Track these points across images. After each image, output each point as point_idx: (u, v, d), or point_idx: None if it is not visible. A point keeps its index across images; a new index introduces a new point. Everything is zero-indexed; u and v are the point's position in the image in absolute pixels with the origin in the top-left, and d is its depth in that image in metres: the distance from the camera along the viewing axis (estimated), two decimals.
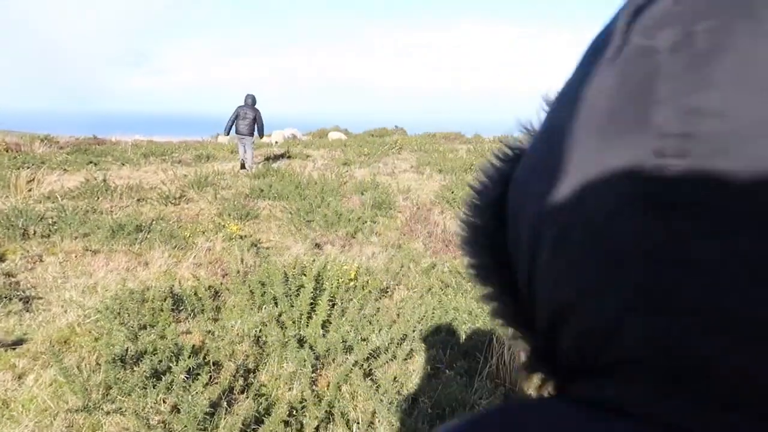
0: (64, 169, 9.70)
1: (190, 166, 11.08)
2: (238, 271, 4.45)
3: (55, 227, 5.56)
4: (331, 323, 3.64)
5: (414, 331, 3.53)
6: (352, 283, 4.07)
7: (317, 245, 5.66)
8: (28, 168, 8.90)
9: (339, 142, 17.19)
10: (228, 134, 10.89)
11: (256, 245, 5.42)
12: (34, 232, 5.41)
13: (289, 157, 12.92)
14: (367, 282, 4.21)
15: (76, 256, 4.95)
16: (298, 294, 3.83)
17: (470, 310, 3.73)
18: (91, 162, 10.77)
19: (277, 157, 12.80)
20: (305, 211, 6.61)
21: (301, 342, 3.33)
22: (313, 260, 4.33)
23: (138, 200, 7.35)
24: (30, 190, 7.46)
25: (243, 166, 10.47)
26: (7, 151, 11.14)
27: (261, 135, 10.89)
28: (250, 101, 10.55)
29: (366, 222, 6.45)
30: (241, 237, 5.65)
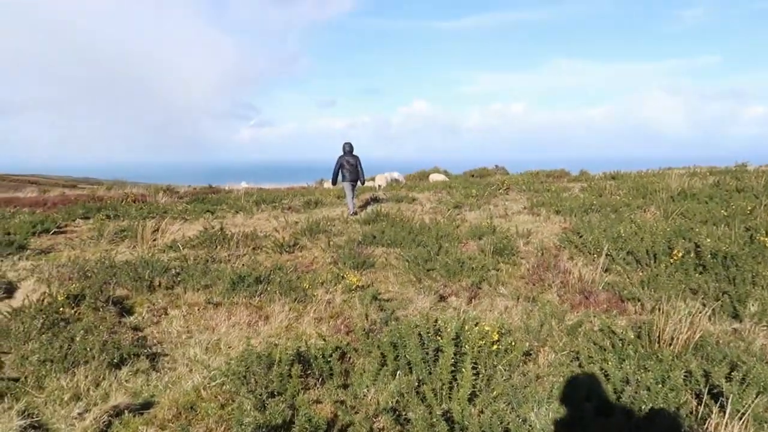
0: (184, 218, 10.10)
1: (299, 212, 11.17)
2: (364, 329, 4.09)
3: (179, 278, 5.57)
4: (477, 395, 3.13)
5: (579, 409, 2.94)
6: (494, 347, 3.55)
7: (441, 297, 5.20)
8: (153, 218, 9.34)
9: (442, 183, 16.83)
10: (335, 184, 10.92)
11: (376, 297, 5.06)
12: (159, 284, 5.44)
13: (396, 201, 12.70)
14: (511, 344, 3.66)
15: (198, 309, 4.85)
16: (435, 359, 3.37)
17: (647, 384, 3.05)
18: (208, 210, 11.20)
19: (382, 201, 12.67)
20: (423, 259, 6.19)
21: (448, 420, 2.84)
22: (448, 320, 3.84)
23: (253, 249, 7.35)
24: (155, 240, 7.73)
25: (356, 213, 10.43)
26: (134, 202, 11.92)
27: (363, 181, 10.80)
28: (349, 148, 10.53)
29: (490, 270, 5.91)
30: (360, 288, 5.33)
